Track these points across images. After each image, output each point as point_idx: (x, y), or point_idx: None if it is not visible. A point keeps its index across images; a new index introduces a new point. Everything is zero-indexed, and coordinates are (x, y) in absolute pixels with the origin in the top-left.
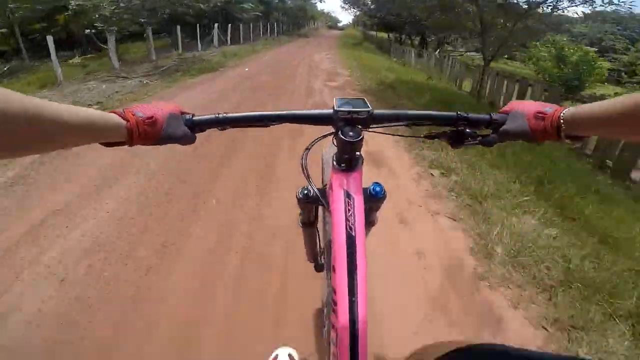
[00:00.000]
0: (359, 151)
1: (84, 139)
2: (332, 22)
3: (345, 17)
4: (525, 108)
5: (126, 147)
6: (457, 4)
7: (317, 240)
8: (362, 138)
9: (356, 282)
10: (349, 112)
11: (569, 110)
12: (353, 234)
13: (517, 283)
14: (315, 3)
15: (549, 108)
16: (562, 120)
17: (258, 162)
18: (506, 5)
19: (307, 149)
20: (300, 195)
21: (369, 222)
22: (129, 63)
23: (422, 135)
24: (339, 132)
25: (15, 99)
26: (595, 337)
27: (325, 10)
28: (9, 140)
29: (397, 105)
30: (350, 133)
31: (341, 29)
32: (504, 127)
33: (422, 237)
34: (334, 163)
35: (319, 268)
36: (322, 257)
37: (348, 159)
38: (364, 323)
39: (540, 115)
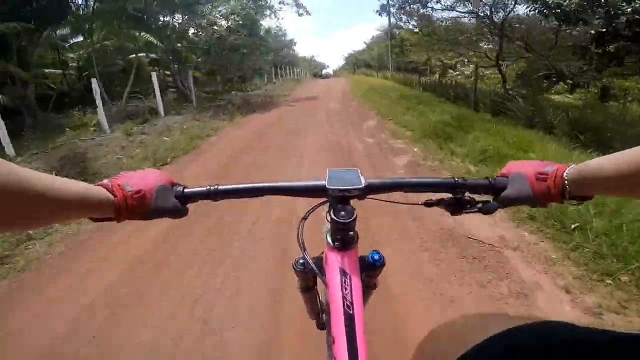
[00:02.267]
0: (353, 230)
1: (70, 215)
2: (317, 69)
3: (333, 60)
4: (524, 169)
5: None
6: None
7: (318, 300)
8: (355, 217)
9: (357, 358)
10: (340, 190)
11: (573, 167)
12: (351, 312)
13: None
14: (292, 49)
15: (549, 167)
16: (566, 181)
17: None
18: None
19: (304, 218)
20: (297, 267)
21: (370, 287)
22: None
23: (420, 203)
24: (331, 211)
25: (7, 171)
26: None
27: (306, 55)
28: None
29: None
30: (342, 212)
31: (325, 76)
32: (506, 192)
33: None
34: (328, 239)
35: (320, 326)
36: (324, 315)
37: (341, 238)
38: None
39: (541, 176)
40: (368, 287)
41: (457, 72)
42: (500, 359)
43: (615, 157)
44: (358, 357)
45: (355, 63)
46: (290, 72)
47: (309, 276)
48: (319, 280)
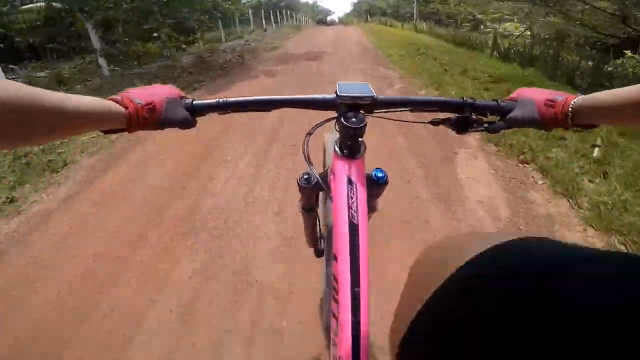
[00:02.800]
0: (362, 137)
1: (84, 127)
2: (321, 16)
3: (338, 6)
4: (534, 95)
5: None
6: None
7: (317, 225)
8: (366, 124)
9: (359, 271)
10: (351, 97)
11: (580, 98)
12: (355, 222)
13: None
14: None
15: (559, 96)
16: (571, 109)
17: None
18: None
19: (309, 133)
20: (302, 181)
21: (371, 208)
22: None
23: (426, 121)
24: (342, 118)
25: (17, 88)
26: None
27: (310, 1)
28: (12, 130)
29: None
30: (353, 119)
31: (331, 23)
32: (513, 114)
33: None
34: (336, 149)
35: (318, 254)
36: (322, 242)
37: (350, 146)
38: (365, 314)
39: (550, 103)
40: (370, 209)
41: (489, 29)
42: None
43: (619, 91)
44: (359, 272)
45: (369, 10)
46: (287, 18)
47: (313, 193)
48: (320, 203)
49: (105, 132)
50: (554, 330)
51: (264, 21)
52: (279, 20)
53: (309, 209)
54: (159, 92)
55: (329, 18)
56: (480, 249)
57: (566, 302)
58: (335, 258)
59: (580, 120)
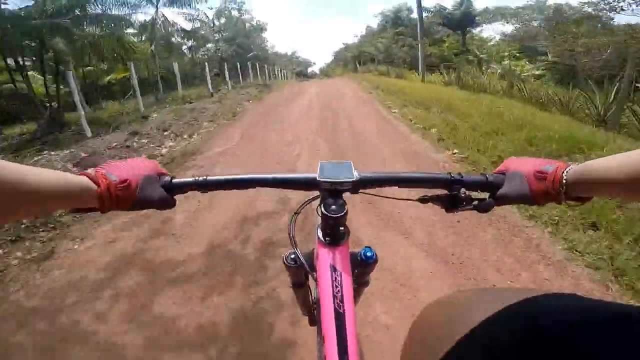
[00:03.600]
0: (344, 226)
1: (48, 205)
2: (301, 67)
3: (318, 56)
4: (523, 167)
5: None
6: None
7: (310, 296)
8: (346, 212)
9: (347, 356)
10: (331, 182)
11: (572, 168)
12: (341, 310)
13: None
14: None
15: (549, 166)
16: (565, 181)
17: None
18: None
19: (296, 213)
20: (288, 262)
21: (362, 284)
22: None
23: (414, 199)
24: (322, 205)
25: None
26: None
27: (286, 52)
28: None
29: None
30: (333, 207)
31: (311, 75)
32: (502, 190)
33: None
34: (319, 235)
35: (312, 323)
36: (316, 311)
37: (332, 234)
38: None
39: (540, 175)
40: (360, 284)
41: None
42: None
43: (618, 160)
44: (348, 356)
45: (357, 57)
46: (258, 72)
47: (300, 272)
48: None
49: (75, 210)
50: None
51: (228, 78)
52: (250, 74)
53: (298, 284)
54: (136, 168)
55: (310, 70)
56: (496, 306)
57: None
58: (324, 340)
59: (574, 193)
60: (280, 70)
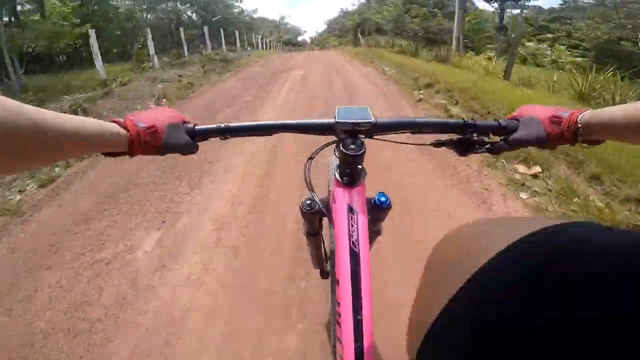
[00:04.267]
0: (362, 164)
1: (86, 149)
2: (290, 35)
3: (310, 24)
4: (538, 113)
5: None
6: None
7: (323, 248)
8: (364, 151)
9: (361, 298)
10: (350, 123)
11: (587, 113)
12: (356, 249)
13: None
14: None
15: (564, 112)
16: (579, 125)
17: None
18: None
19: (311, 157)
20: (304, 207)
21: (374, 232)
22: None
23: (428, 143)
24: (340, 144)
25: (19, 109)
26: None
27: (273, 18)
28: (12, 152)
29: None
30: (352, 146)
31: (297, 45)
32: (517, 134)
33: None
34: (336, 176)
35: (324, 275)
36: (328, 263)
37: (350, 173)
38: (369, 340)
39: (555, 119)
40: (372, 233)
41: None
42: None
43: (631, 106)
44: (362, 300)
45: (358, 26)
46: (233, 40)
47: (316, 218)
48: (324, 226)
49: (107, 154)
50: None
51: (153, 52)
52: (222, 42)
53: (313, 233)
54: (161, 116)
55: (300, 38)
56: (516, 234)
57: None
58: (338, 283)
59: (587, 137)
60: (262, 39)
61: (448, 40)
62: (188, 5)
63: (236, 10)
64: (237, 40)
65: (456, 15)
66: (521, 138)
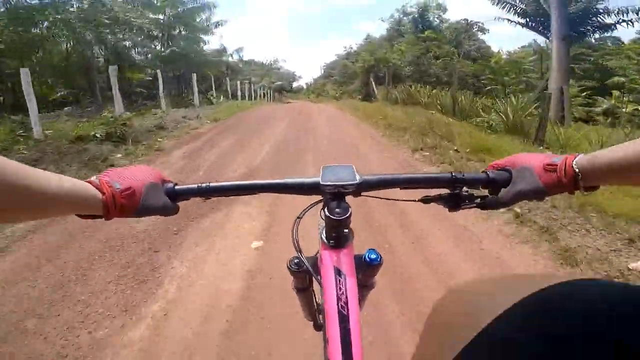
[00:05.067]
0: (348, 228)
1: (61, 210)
2: (283, 81)
3: (306, 69)
4: (530, 161)
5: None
6: None
7: (314, 301)
8: (350, 215)
9: (352, 359)
10: (334, 186)
11: (581, 157)
12: (345, 312)
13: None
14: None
15: (556, 158)
16: (577, 170)
17: None
18: None
19: (299, 217)
20: (292, 266)
21: (367, 287)
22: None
23: (417, 200)
24: (325, 208)
25: (4, 162)
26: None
27: (262, 60)
28: None
29: None
30: (337, 209)
31: (289, 91)
32: (514, 187)
33: None
34: (323, 238)
35: (318, 328)
36: (320, 316)
37: (336, 236)
38: None
39: (549, 167)
40: (365, 287)
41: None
42: (528, 327)
43: (624, 148)
44: (352, 358)
45: (370, 70)
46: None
47: (304, 276)
48: (315, 280)
49: (81, 216)
50: None
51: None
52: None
53: (302, 289)
54: (138, 175)
55: (295, 84)
56: (521, 292)
57: None
58: (328, 342)
59: (587, 183)
60: (249, 84)
61: (480, 87)
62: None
63: (206, 47)
64: (194, 89)
65: (554, 49)
66: (519, 191)
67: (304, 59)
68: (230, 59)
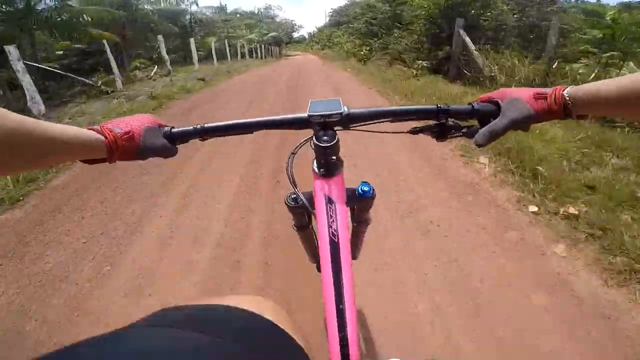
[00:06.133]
0: (336, 155)
1: (67, 156)
2: (280, 32)
3: (308, 18)
4: (519, 93)
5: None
6: None
7: (315, 240)
8: (337, 142)
9: (342, 289)
10: (321, 116)
11: (572, 88)
12: (336, 240)
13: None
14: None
15: (546, 89)
16: (567, 97)
17: None
18: None
19: (293, 153)
20: (289, 202)
21: (363, 222)
22: None
23: (405, 131)
24: (314, 137)
25: (5, 113)
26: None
27: (253, 9)
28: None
29: None
30: (324, 137)
31: (297, 42)
32: (505, 115)
33: None
34: (314, 168)
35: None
36: None
37: (325, 164)
38: (353, 329)
39: (539, 95)
40: (361, 222)
41: None
42: None
43: (620, 80)
44: (343, 289)
45: (441, 11)
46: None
47: (302, 212)
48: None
49: (85, 161)
50: None
51: None
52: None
53: (301, 226)
54: (136, 121)
55: (296, 35)
56: None
57: None
58: (321, 270)
59: (575, 111)
60: (227, 40)
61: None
62: None
63: None
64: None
65: None
66: (511, 118)
67: (305, 10)
68: (194, 7)
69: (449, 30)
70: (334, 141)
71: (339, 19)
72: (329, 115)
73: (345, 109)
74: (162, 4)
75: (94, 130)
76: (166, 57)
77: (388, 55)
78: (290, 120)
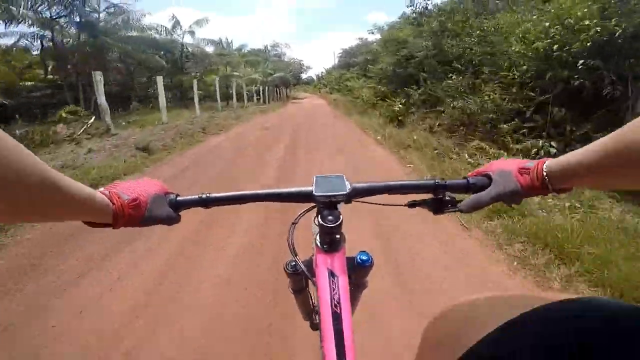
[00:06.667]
0: (339, 233)
1: (77, 216)
2: (285, 73)
3: (317, 61)
4: (507, 166)
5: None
6: None
7: (310, 301)
8: (341, 222)
9: (345, 356)
10: (326, 196)
11: (551, 161)
12: (338, 311)
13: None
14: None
15: (529, 163)
16: (545, 174)
17: None
18: None
19: (294, 223)
20: (288, 269)
21: (360, 286)
22: None
23: (403, 204)
24: (319, 216)
25: (34, 160)
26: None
27: (261, 46)
28: (17, 205)
29: None
30: (329, 217)
31: (305, 84)
32: (493, 189)
33: None
34: (317, 243)
35: (314, 327)
36: (316, 315)
37: (329, 241)
38: None
39: (524, 170)
40: (358, 287)
41: None
42: (529, 343)
43: (591, 148)
44: (345, 354)
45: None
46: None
47: (301, 278)
48: (310, 282)
49: (88, 223)
50: None
51: None
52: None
53: (298, 290)
54: (144, 187)
55: (304, 76)
56: (511, 311)
57: None
58: (323, 339)
59: (556, 185)
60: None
61: None
62: None
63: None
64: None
65: None
66: (498, 192)
67: (312, 50)
68: (188, 39)
69: (609, 79)
70: (339, 222)
71: (348, 60)
72: (335, 196)
73: (349, 187)
74: (143, 31)
75: (103, 193)
76: (105, 104)
77: (437, 114)
78: (294, 194)
